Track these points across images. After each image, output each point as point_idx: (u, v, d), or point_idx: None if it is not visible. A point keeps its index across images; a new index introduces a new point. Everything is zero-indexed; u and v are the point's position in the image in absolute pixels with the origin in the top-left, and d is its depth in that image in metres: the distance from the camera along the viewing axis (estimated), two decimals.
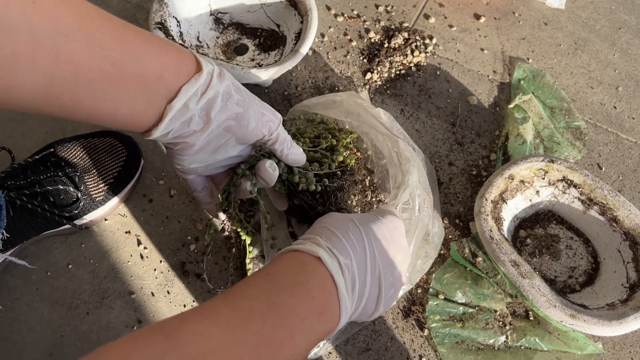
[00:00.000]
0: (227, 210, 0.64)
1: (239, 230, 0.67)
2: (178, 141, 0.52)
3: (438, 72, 0.90)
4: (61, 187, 0.70)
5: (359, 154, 0.71)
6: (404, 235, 0.58)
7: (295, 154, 0.61)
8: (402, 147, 0.68)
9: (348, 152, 0.68)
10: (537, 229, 0.77)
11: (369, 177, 0.70)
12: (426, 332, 0.73)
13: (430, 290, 0.74)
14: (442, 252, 0.77)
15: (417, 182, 0.66)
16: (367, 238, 0.51)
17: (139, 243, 0.77)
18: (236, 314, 0.39)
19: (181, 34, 0.83)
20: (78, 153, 0.75)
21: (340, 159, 0.67)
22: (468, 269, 0.75)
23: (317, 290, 0.45)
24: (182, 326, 0.36)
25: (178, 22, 0.82)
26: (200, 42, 0.86)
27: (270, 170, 0.59)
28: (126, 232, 0.78)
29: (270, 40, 0.87)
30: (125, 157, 0.77)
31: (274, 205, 0.69)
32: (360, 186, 0.68)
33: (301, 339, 0.41)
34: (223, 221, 0.67)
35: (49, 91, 0.41)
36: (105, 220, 0.78)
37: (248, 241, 0.69)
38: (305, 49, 0.77)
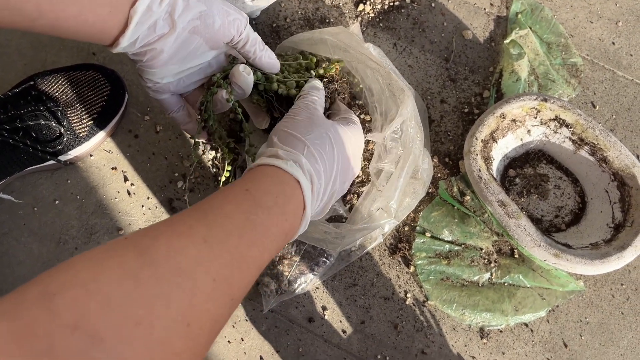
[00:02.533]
0: (206, 125, 0.63)
1: (220, 146, 0.67)
2: (146, 49, 0.52)
3: (433, 4, 0.86)
4: (43, 122, 0.69)
5: (343, 77, 0.69)
6: (362, 151, 0.61)
7: (269, 57, 0.60)
8: (394, 79, 0.66)
9: (330, 65, 0.67)
10: (527, 169, 0.76)
11: (359, 111, 0.69)
12: (412, 268, 0.74)
13: (417, 228, 0.75)
14: (430, 190, 0.77)
15: (411, 113, 0.64)
16: (337, 162, 0.53)
17: (126, 179, 0.76)
18: (214, 231, 0.38)
19: None
20: (59, 87, 0.73)
21: (321, 71, 0.65)
22: (456, 207, 0.75)
23: (291, 213, 0.46)
24: (156, 242, 0.35)
25: None
26: None
27: (245, 74, 0.58)
28: (112, 168, 0.77)
29: None
30: (109, 92, 0.75)
31: (255, 124, 0.68)
32: (342, 96, 0.67)
33: (268, 255, 0.43)
34: (204, 142, 0.67)
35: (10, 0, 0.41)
36: (91, 156, 0.77)
37: (228, 159, 0.68)
38: None
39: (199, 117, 0.63)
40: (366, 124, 0.69)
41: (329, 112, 0.67)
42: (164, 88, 0.58)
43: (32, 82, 0.72)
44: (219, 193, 0.44)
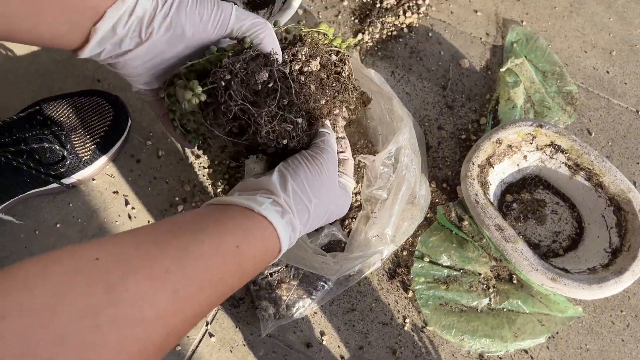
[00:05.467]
0: (176, 121, 0.57)
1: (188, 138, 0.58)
2: (113, 61, 0.50)
3: (430, 34, 0.88)
4: (47, 145, 0.70)
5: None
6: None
7: (270, 42, 0.52)
8: (395, 104, 0.68)
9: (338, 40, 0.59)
10: (524, 194, 0.77)
11: (363, 139, 0.70)
12: (410, 293, 0.74)
13: (416, 252, 0.75)
14: (428, 215, 0.77)
15: (407, 141, 0.65)
16: (327, 218, 0.53)
17: (127, 203, 0.77)
18: (188, 283, 0.36)
19: None
20: (64, 112, 0.74)
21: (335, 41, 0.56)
22: (454, 232, 0.76)
23: (267, 262, 0.46)
24: (126, 281, 0.32)
25: None
26: None
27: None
28: (114, 192, 0.78)
29: None
30: (112, 117, 0.76)
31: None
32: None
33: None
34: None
35: None
36: (93, 180, 0.78)
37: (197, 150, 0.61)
38: (297, 2, 0.75)
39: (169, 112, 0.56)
40: (366, 148, 0.70)
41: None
42: (150, 94, 0.55)
43: (37, 107, 0.73)
44: (209, 232, 0.40)
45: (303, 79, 0.52)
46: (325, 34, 0.57)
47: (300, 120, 0.52)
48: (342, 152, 0.59)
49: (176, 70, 0.53)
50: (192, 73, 0.52)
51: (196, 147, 0.60)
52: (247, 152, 0.56)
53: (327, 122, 0.56)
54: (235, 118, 0.49)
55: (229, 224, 0.42)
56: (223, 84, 0.48)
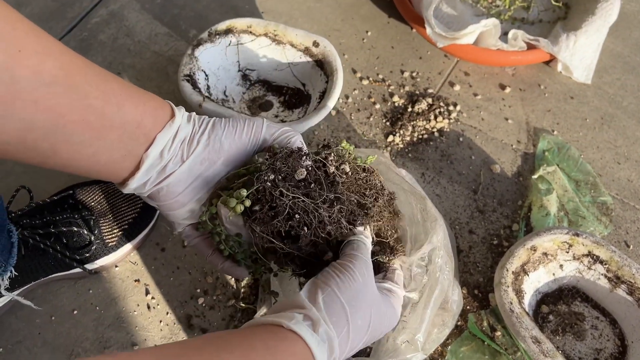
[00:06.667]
0: (220, 243, 0.57)
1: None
2: (158, 188, 0.52)
3: (461, 139, 0.89)
4: (75, 229, 0.70)
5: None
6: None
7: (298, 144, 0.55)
8: (429, 205, 0.67)
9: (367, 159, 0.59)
10: (561, 306, 0.73)
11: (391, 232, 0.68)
12: None
13: None
14: (459, 323, 0.73)
15: (441, 242, 0.64)
16: (367, 337, 0.49)
17: (147, 292, 0.75)
18: None
19: (208, 87, 0.84)
20: (96, 197, 0.75)
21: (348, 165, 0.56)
22: (486, 343, 0.71)
23: None
24: None
25: (206, 75, 0.84)
26: (226, 96, 0.87)
27: (229, 224, 0.53)
28: (135, 281, 0.76)
29: (295, 98, 0.88)
30: (142, 204, 0.77)
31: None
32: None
33: None
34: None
35: (26, 138, 0.42)
36: (116, 267, 0.77)
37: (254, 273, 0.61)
38: (332, 102, 0.77)
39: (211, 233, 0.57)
40: (396, 248, 0.68)
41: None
42: (194, 234, 0.58)
43: (71, 192, 0.74)
44: (233, 350, 0.39)
45: (341, 176, 0.53)
46: (349, 152, 0.58)
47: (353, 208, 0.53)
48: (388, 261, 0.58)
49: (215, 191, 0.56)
50: (232, 187, 0.54)
51: (250, 274, 0.60)
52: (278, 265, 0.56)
53: (361, 228, 0.54)
54: (288, 217, 0.49)
55: (255, 341, 0.41)
56: (269, 184, 0.49)
